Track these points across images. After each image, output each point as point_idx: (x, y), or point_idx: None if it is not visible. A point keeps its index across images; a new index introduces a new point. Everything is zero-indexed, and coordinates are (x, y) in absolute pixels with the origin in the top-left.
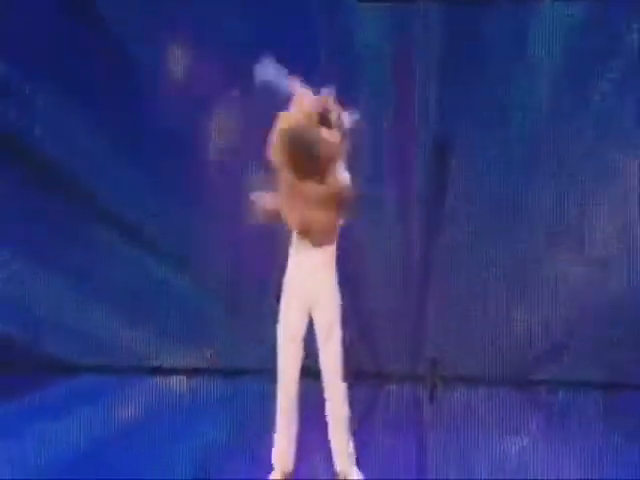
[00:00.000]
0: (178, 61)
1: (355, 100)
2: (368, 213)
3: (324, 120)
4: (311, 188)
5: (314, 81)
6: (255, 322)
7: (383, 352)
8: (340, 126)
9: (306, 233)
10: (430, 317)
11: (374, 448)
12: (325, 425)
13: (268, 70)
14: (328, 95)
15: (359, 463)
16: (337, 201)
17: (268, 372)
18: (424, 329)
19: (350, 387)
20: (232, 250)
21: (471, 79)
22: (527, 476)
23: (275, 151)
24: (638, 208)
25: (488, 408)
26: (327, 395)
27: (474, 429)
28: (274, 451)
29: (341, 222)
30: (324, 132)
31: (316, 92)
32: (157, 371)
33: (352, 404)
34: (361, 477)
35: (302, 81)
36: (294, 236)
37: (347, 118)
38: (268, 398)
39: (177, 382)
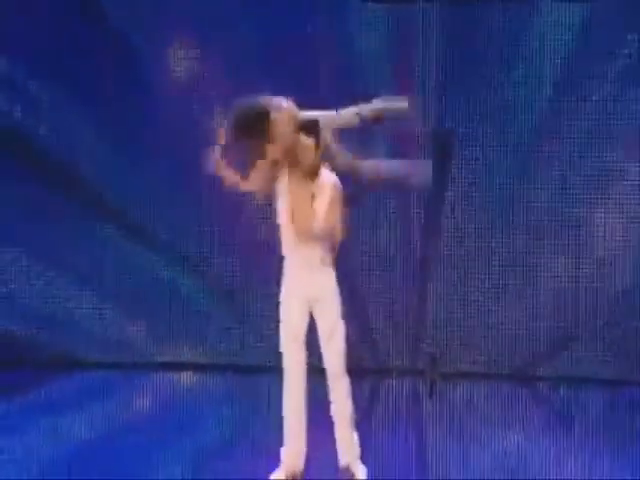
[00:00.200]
0: (182, 59)
1: (355, 100)
2: (368, 213)
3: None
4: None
5: (314, 81)
6: (260, 319)
7: (383, 348)
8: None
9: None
10: (430, 313)
11: (374, 442)
12: (329, 420)
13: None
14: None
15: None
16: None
17: (274, 369)
18: (424, 325)
19: (351, 383)
20: (238, 248)
21: (471, 79)
22: (527, 472)
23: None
24: (638, 208)
25: (489, 404)
26: (331, 392)
27: (475, 424)
28: (283, 451)
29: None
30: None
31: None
32: (163, 367)
33: (354, 399)
34: (365, 472)
35: (302, 81)
36: (287, 236)
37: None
38: (274, 395)
39: (183, 378)
